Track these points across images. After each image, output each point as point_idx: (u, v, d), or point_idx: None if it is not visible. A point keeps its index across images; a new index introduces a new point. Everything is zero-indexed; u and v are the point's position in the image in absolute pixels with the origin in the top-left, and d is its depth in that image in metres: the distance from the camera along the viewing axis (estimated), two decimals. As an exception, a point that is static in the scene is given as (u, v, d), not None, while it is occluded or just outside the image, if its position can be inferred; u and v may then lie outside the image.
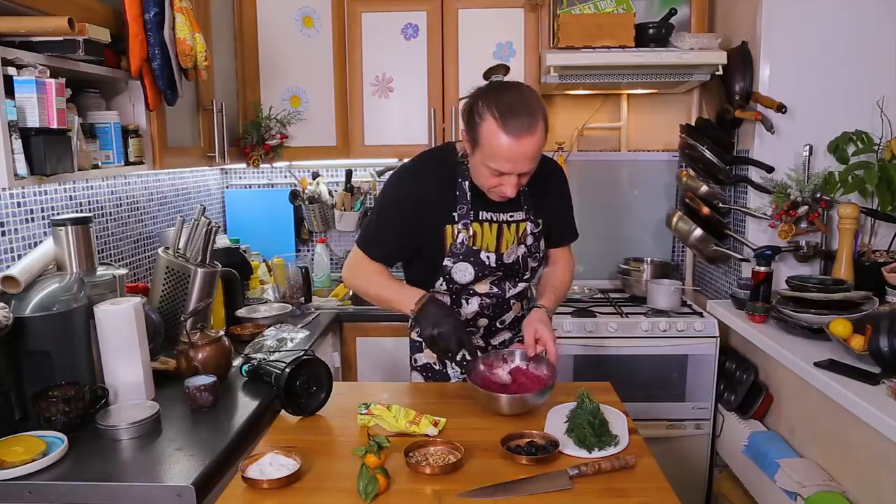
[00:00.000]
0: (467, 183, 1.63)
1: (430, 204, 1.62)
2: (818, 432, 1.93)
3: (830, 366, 1.79)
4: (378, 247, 1.69)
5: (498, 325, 1.81)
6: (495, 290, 1.72)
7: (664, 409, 2.55)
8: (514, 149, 1.43)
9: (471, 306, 1.74)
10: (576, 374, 2.53)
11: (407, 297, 1.61)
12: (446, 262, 1.65)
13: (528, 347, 1.63)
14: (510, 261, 1.69)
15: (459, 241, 1.63)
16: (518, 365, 1.69)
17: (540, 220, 1.73)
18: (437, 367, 1.85)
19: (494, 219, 1.66)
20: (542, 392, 1.58)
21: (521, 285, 1.76)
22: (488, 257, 1.66)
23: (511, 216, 1.68)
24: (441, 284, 1.70)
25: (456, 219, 1.63)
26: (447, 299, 1.72)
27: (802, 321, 2.06)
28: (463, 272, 1.66)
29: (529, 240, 1.71)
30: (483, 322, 1.78)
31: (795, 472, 1.86)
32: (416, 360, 1.90)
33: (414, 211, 1.63)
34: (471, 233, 1.63)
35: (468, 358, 1.69)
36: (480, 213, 1.65)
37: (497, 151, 1.45)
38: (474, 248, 1.64)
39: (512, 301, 1.78)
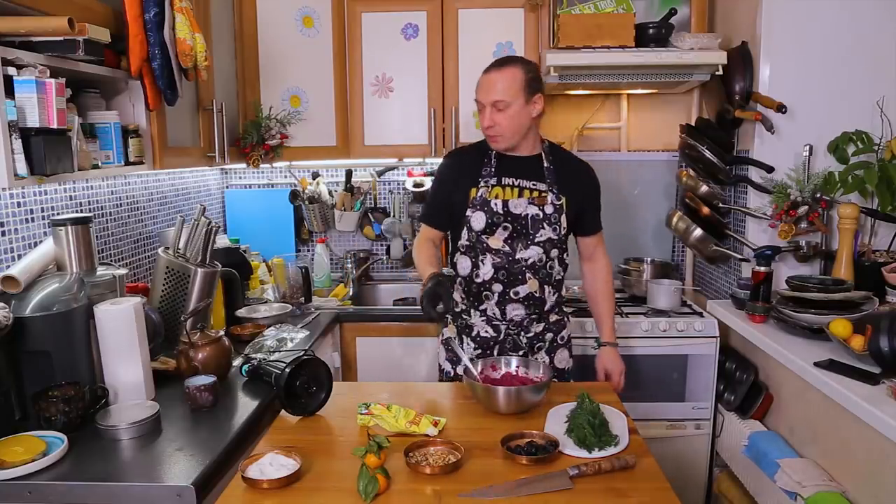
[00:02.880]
0: (493, 153, 1.94)
1: (462, 173, 1.95)
2: (818, 432, 1.93)
3: (830, 366, 1.79)
4: (428, 213, 2.05)
5: (512, 294, 1.92)
6: (506, 248, 1.90)
7: (664, 409, 2.55)
8: (483, 80, 1.86)
9: (486, 267, 1.91)
10: (576, 374, 2.53)
11: (425, 272, 1.81)
12: (468, 212, 1.92)
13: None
14: (516, 211, 1.89)
15: (479, 195, 1.90)
16: (510, 370, 1.74)
17: (563, 197, 1.93)
18: (454, 341, 1.99)
19: (516, 183, 1.91)
20: (539, 388, 1.59)
21: (533, 250, 1.90)
22: (496, 204, 1.89)
23: (534, 184, 1.92)
24: (464, 232, 1.94)
25: (481, 182, 1.91)
26: (468, 262, 1.94)
27: (802, 321, 2.06)
28: (478, 220, 1.90)
29: (549, 209, 1.91)
30: (497, 288, 1.92)
31: (795, 472, 1.86)
32: (442, 334, 2.08)
33: (450, 179, 1.98)
34: (489, 188, 1.90)
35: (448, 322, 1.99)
36: (503, 178, 1.92)
37: (477, 85, 1.88)
38: (487, 198, 1.90)
39: (526, 272, 1.91)
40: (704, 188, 2.61)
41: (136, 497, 1.27)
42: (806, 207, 2.29)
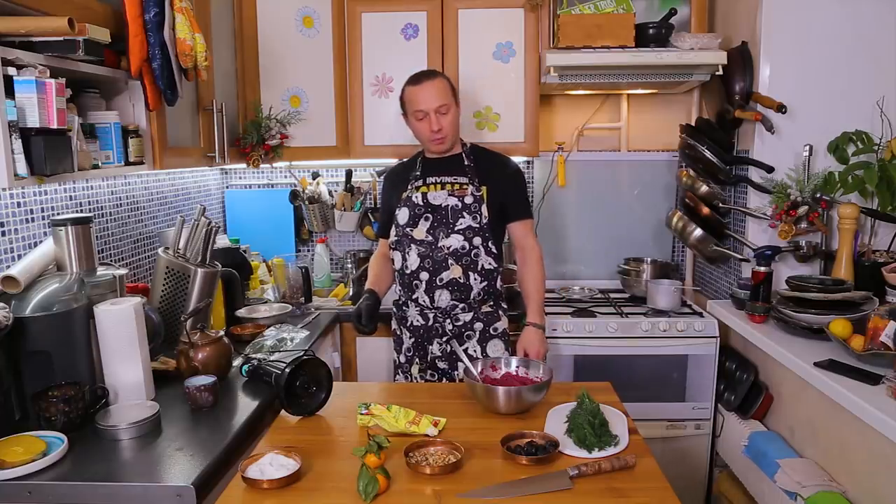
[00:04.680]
0: (420, 158, 2.19)
1: (396, 185, 2.19)
2: (818, 432, 1.93)
3: (830, 366, 1.80)
4: (379, 228, 2.32)
5: (437, 281, 2.07)
6: (429, 237, 2.07)
7: (664, 409, 2.55)
8: (419, 91, 2.04)
9: (412, 257, 2.08)
10: (576, 374, 2.53)
11: (367, 285, 2.19)
12: (395, 211, 2.13)
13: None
14: (436, 203, 2.07)
15: (406, 195, 2.12)
16: (510, 370, 1.75)
17: (484, 187, 2.09)
18: (398, 333, 2.21)
19: (439, 181, 2.11)
20: (539, 388, 1.59)
21: (454, 238, 2.05)
22: (417, 197, 2.09)
23: (455, 179, 2.10)
24: (392, 229, 2.13)
25: (409, 187, 2.12)
26: (398, 256, 2.12)
27: (802, 321, 2.06)
28: (403, 215, 2.11)
29: (469, 199, 2.07)
30: (424, 276, 2.08)
31: (795, 472, 1.86)
32: (391, 325, 2.28)
33: (388, 191, 2.23)
34: (416, 189, 2.11)
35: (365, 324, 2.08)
36: (428, 178, 2.12)
37: (411, 99, 2.06)
38: (410, 196, 2.10)
39: (449, 258, 2.05)
40: (704, 188, 2.61)
41: (136, 497, 1.27)
42: (806, 207, 2.29)
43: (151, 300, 2.09)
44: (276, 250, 3.05)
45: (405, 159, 2.29)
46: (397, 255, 2.13)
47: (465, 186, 2.08)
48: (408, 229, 2.09)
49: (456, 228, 2.05)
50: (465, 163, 2.13)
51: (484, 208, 2.07)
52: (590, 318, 2.58)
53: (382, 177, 2.29)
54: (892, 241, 2.27)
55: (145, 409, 1.53)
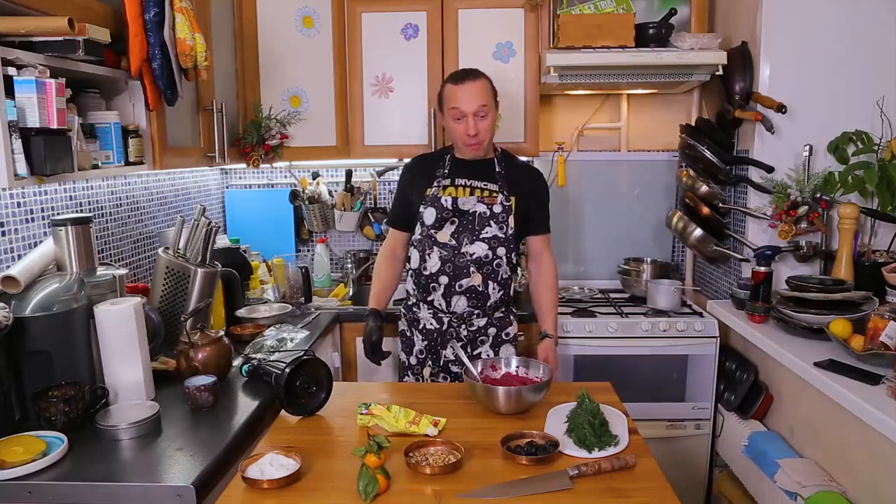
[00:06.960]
0: (449, 156, 2.12)
1: (418, 176, 2.13)
2: (818, 432, 1.93)
3: (830, 366, 1.80)
4: (391, 216, 2.25)
5: (456, 287, 2.04)
6: (453, 242, 2.03)
7: (664, 409, 2.55)
8: (459, 90, 1.98)
9: (433, 260, 2.04)
10: (576, 374, 2.53)
11: (370, 303, 2.16)
12: (420, 208, 2.08)
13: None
14: (464, 208, 2.03)
15: (432, 193, 2.06)
16: (510, 370, 1.75)
17: (512, 198, 2.06)
18: (408, 334, 2.18)
19: (468, 184, 2.06)
20: (539, 388, 1.60)
21: (478, 245, 2.02)
22: (446, 200, 2.04)
23: (485, 185, 2.06)
24: (417, 227, 2.10)
25: (434, 183, 2.07)
26: (417, 255, 2.09)
27: (802, 321, 2.06)
28: (429, 215, 2.05)
29: (498, 208, 2.03)
30: (444, 280, 2.04)
31: (795, 472, 1.86)
32: (398, 326, 2.24)
33: (407, 181, 2.16)
34: (443, 188, 2.06)
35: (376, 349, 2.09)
36: (457, 179, 2.07)
37: (450, 96, 2.00)
38: (438, 196, 2.04)
39: (471, 265, 2.02)
40: (704, 188, 2.61)
41: (136, 497, 1.27)
42: (806, 207, 2.29)
43: (151, 300, 2.09)
44: (276, 250, 3.05)
45: (425, 153, 2.23)
46: (416, 254, 2.09)
47: (494, 195, 2.04)
48: (432, 231, 2.04)
49: (481, 236, 2.02)
50: (497, 169, 2.08)
51: (511, 219, 2.04)
52: (590, 318, 2.58)
53: (403, 167, 2.23)
54: (892, 241, 2.27)
55: (145, 409, 1.53)
